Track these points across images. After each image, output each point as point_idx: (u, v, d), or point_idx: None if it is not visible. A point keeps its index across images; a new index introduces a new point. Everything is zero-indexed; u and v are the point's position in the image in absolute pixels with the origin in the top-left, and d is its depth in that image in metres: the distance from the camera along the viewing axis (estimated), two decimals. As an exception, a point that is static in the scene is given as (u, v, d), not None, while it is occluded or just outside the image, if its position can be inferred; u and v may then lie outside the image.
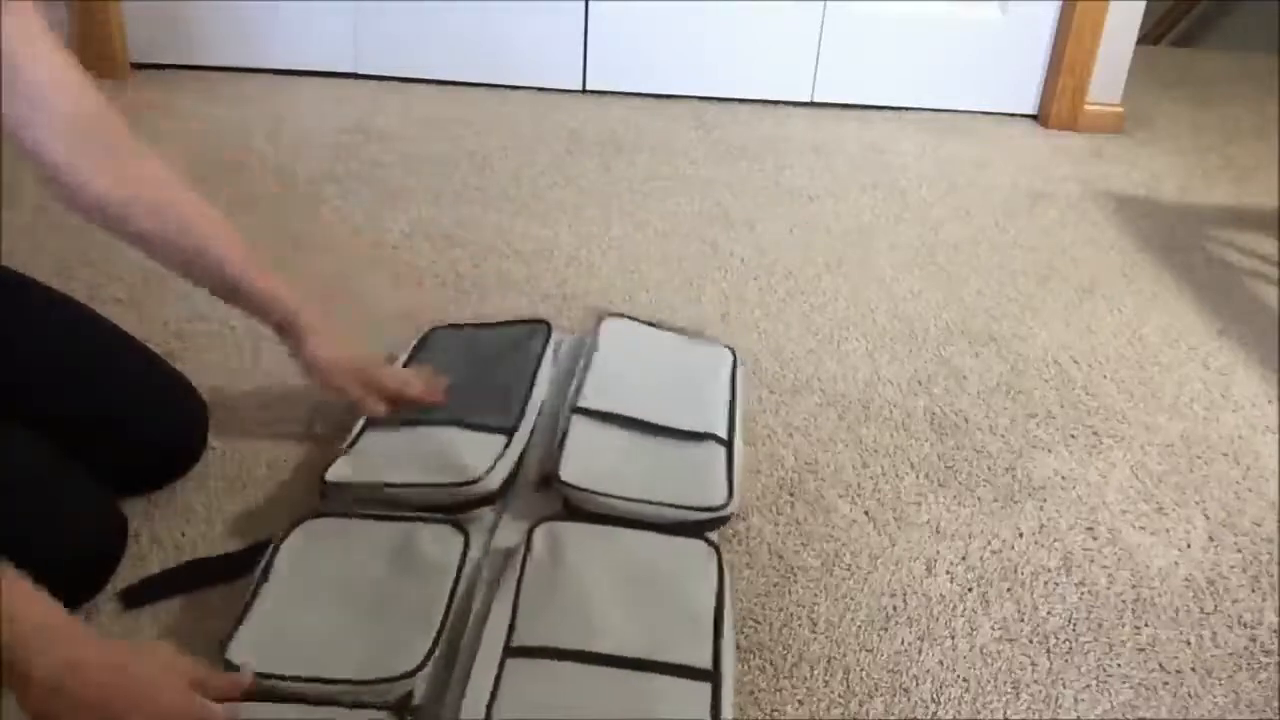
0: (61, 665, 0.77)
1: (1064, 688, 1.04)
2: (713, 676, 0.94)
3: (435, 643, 0.95)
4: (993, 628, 1.10)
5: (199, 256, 1.13)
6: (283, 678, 0.91)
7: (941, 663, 1.06)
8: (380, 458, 1.17)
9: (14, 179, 1.80)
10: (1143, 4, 2.49)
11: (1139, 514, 1.29)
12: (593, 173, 2.14)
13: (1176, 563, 1.22)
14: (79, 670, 0.78)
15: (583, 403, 1.26)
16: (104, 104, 1.05)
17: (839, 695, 1.01)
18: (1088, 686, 1.04)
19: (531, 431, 1.26)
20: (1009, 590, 1.16)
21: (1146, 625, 1.12)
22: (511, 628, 0.97)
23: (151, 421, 1.18)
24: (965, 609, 1.13)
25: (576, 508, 1.14)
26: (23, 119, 1.00)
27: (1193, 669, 1.07)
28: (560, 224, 1.91)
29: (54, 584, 0.99)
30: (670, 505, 1.13)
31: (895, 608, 1.12)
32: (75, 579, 1.01)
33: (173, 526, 1.15)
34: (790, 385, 1.49)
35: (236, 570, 1.07)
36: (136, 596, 1.05)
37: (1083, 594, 1.16)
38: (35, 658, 0.76)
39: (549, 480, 1.17)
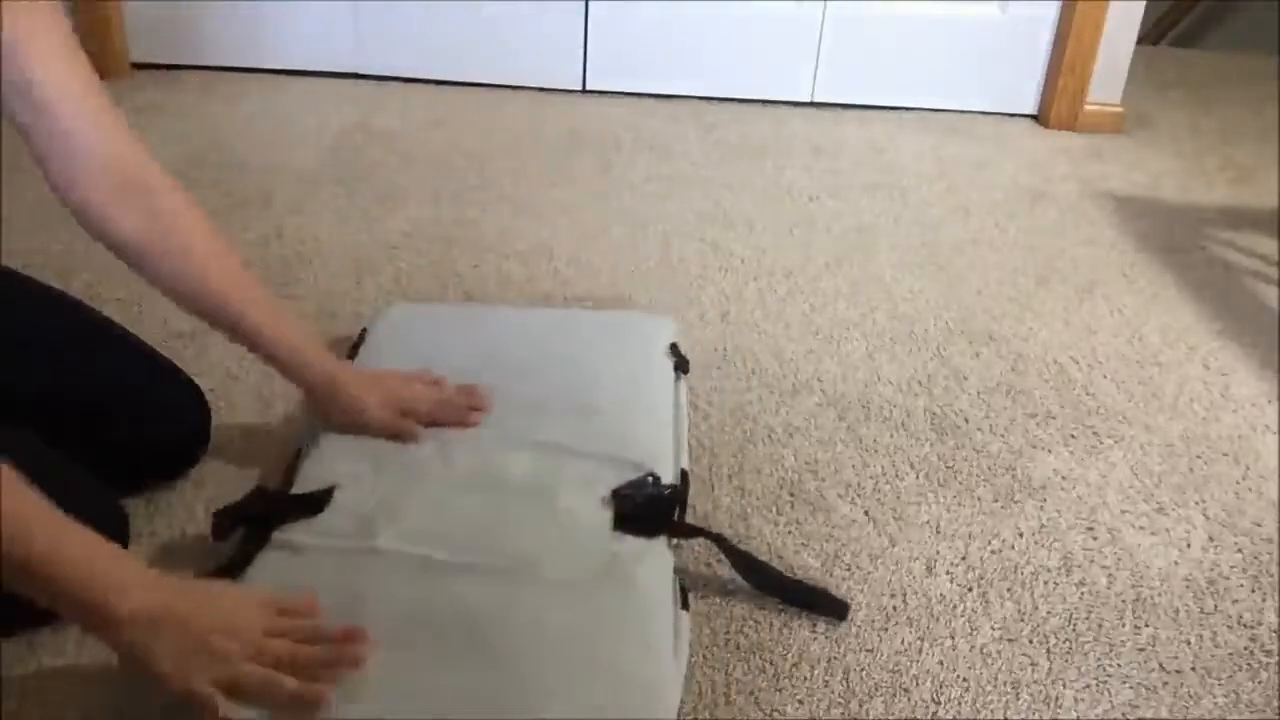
0: (144, 605, 0.81)
1: (1064, 688, 1.04)
2: None
3: None
4: (993, 628, 1.10)
5: (219, 310, 1.11)
6: None
7: (941, 663, 1.06)
8: None
9: (14, 180, 1.80)
10: (1143, 4, 2.49)
11: (1139, 514, 1.29)
12: (593, 173, 2.14)
13: (1176, 563, 1.22)
14: (161, 606, 0.82)
15: None
16: (131, 140, 1.05)
17: (839, 695, 1.01)
18: (1088, 686, 1.04)
19: None
20: (1009, 590, 1.16)
21: (1146, 625, 1.12)
22: None
23: (154, 418, 1.18)
24: (965, 609, 1.13)
25: None
26: (57, 161, 1.01)
27: (1193, 669, 1.07)
28: (560, 224, 1.91)
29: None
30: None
31: (895, 608, 1.12)
32: None
33: (173, 527, 1.15)
34: (790, 385, 1.49)
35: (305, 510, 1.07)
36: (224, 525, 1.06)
37: (1083, 594, 1.16)
38: (118, 600, 0.80)
39: None
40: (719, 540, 1.11)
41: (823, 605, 1.10)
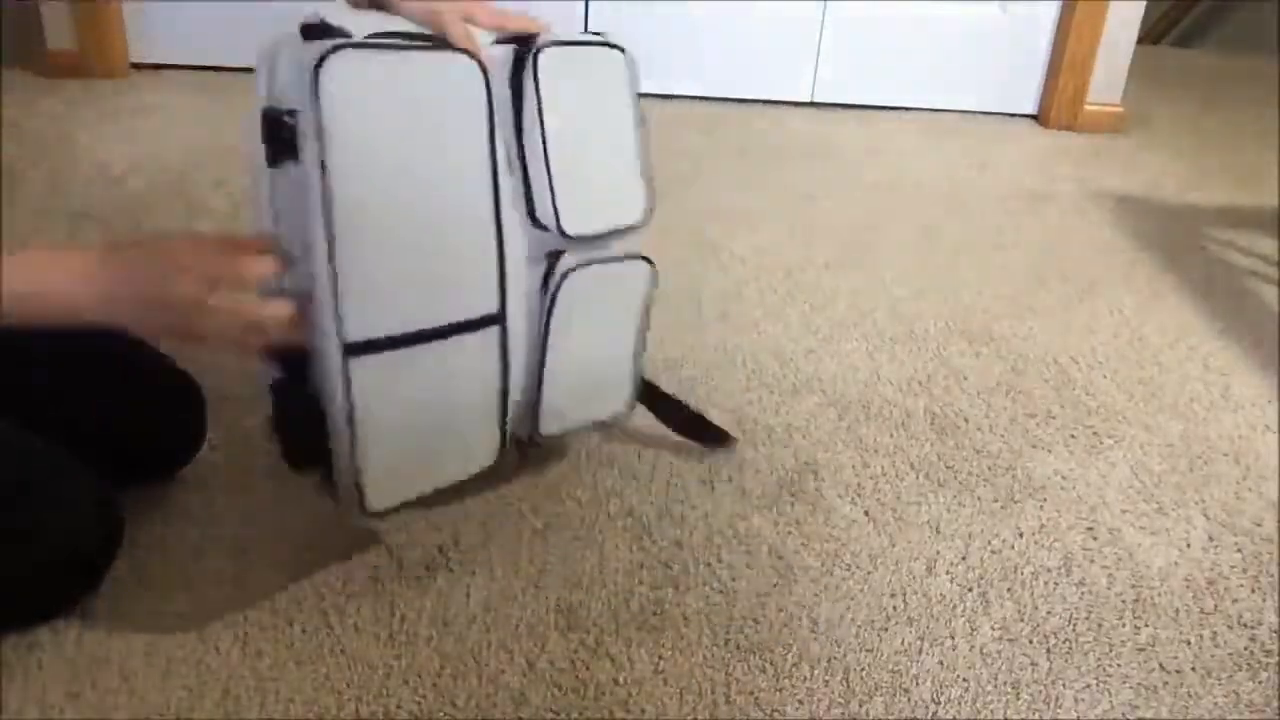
0: (96, 287, 0.93)
1: (1064, 688, 1.04)
2: None
3: None
4: (993, 628, 1.10)
5: None
6: None
7: (941, 663, 1.06)
8: None
9: (14, 180, 1.80)
10: (1143, 4, 2.50)
11: (1139, 514, 1.29)
12: (593, 173, 2.14)
13: (1176, 563, 1.22)
14: (111, 275, 0.93)
15: None
16: None
17: (839, 695, 1.01)
18: (1088, 686, 1.04)
19: None
20: (1009, 590, 1.16)
21: (1146, 625, 1.12)
22: None
23: (152, 416, 1.18)
24: (965, 609, 1.13)
25: None
26: None
27: (1193, 669, 1.07)
28: (560, 224, 1.91)
29: (48, 580, 1.00)
30: None
31: (895, 608, 1.12)
32: (70, 576, 1.02)
33: (172, 528, 1.15)
34: (790, 385, 1.49)
35: None
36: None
37: (1083, 594, 1.16)
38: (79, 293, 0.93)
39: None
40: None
41: (706, 436, 1.30)
